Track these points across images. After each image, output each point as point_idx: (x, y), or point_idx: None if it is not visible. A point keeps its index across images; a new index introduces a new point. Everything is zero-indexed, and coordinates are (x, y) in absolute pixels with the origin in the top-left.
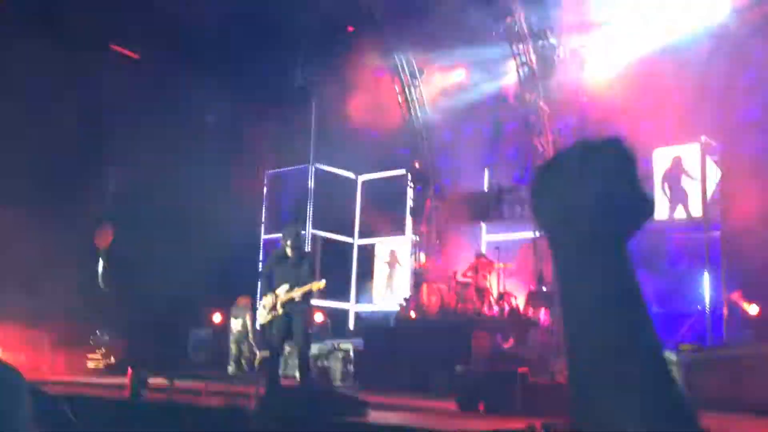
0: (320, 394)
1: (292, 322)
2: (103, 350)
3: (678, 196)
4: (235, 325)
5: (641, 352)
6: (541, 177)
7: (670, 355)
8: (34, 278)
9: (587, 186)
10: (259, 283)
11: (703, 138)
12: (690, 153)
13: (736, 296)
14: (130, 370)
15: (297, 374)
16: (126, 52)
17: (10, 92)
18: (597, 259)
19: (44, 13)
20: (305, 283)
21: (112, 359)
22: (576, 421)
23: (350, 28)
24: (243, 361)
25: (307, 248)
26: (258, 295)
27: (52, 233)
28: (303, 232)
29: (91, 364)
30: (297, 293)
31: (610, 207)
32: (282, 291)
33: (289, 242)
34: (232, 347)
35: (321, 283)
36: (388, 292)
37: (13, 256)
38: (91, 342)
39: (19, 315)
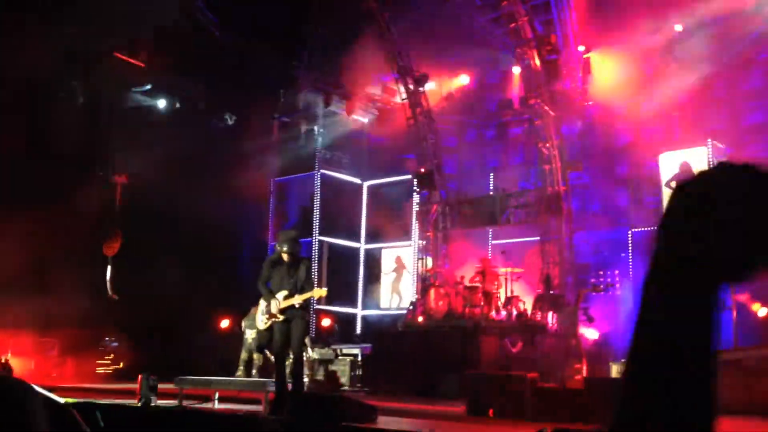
0: (329, 399)
1: (290, 328)
2: (113, 356)
3: None
4: (250, 334)
5: (701, 405)
6: (681, 198)
7: None
8: (43, 286)
9: (728, 211)
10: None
11: (710, 141)
12: (697, 157)
13: (744, 298)
14: (139, 376)
15: (290, 380)
16: (130, 60)
17: (16, 99)
18: (707, 288)
19: (48, 18)
20: (303, 288)
21: (122, 365)
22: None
23: (355, 35)
24: (253, 368)
25: (314, 254)
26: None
27: (61, 241)
28: (300, 238)
29: (100, 370)
30: (297, 299)
31: (744, 234)
32: (281, 297)
33: (285, 248)
34: (244, 354)
35: (323, 291)
36: (395, 297)
37: (22, 263)
38: (100, 348)
39: (28, 322)
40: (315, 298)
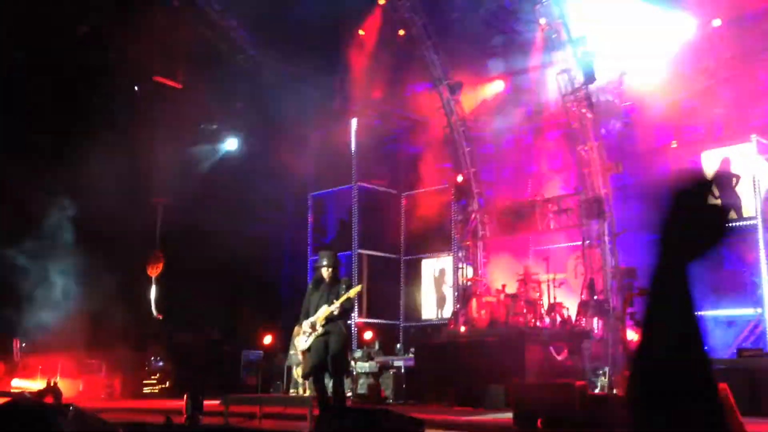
0: (373, 413)
1: (328, 342)
2: (159, 375)
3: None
4: (295, 352)
5: (693, 363)
6: (670, 208)
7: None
8: (89, 308)
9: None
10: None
11: (754, 137)
12: (740, 153)
13: None
14: (186, 395)
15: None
16: (169, 82)
17: (59, 126)
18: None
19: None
20: (340, 296)
21: (168, 384)
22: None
23: (387, 46)
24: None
25: (354, 267)
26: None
27: (105, 263)
28: (338, 253)
29: (147, 390)
30: (336, 305)
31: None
32: (321, 312)
33: (324, 262)
34: (295, 371)
35: (357, 287)
36: (436, 308)
37: (67, 287)
38: (146, 368)
39: (76, 343)
40: (354, 299)
